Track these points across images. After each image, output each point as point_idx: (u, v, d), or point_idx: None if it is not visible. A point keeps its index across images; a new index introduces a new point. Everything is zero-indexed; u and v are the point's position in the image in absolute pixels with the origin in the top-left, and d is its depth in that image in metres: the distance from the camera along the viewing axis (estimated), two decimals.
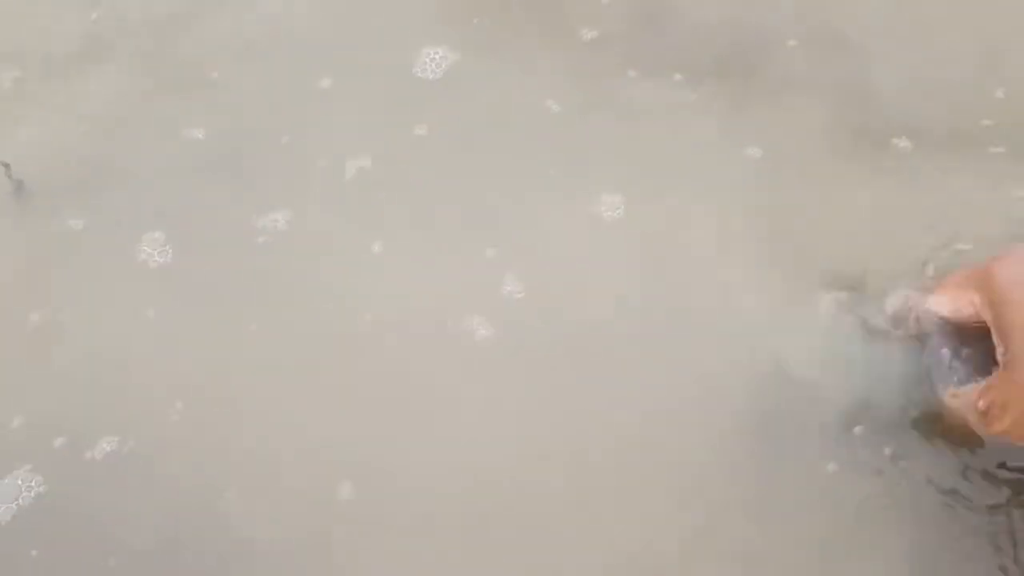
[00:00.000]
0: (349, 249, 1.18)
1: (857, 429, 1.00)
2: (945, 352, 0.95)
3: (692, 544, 0.97)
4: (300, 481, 1.03)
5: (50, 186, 1.25)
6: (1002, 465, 0.96)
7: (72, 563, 1.00)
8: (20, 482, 1.03)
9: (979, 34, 1.26)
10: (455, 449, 1.04)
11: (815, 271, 1.10)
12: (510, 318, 1.11)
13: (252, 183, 1.24)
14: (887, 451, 0.99)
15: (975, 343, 0.92)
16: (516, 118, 1.27)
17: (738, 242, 1.14)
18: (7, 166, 1.26)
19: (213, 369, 1.11)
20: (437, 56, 1.31)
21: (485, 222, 1.18)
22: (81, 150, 1.29)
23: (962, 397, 0.92)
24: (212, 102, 1.32)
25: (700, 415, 1.04)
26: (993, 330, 0.87)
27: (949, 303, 0.94)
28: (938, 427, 0.98)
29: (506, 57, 1.32)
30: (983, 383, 0.89)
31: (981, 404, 0.88)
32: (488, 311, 1.11)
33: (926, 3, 1.30)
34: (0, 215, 1.25)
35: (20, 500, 1.02)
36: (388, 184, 1.22)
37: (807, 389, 1.02)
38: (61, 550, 1.00)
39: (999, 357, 0.87)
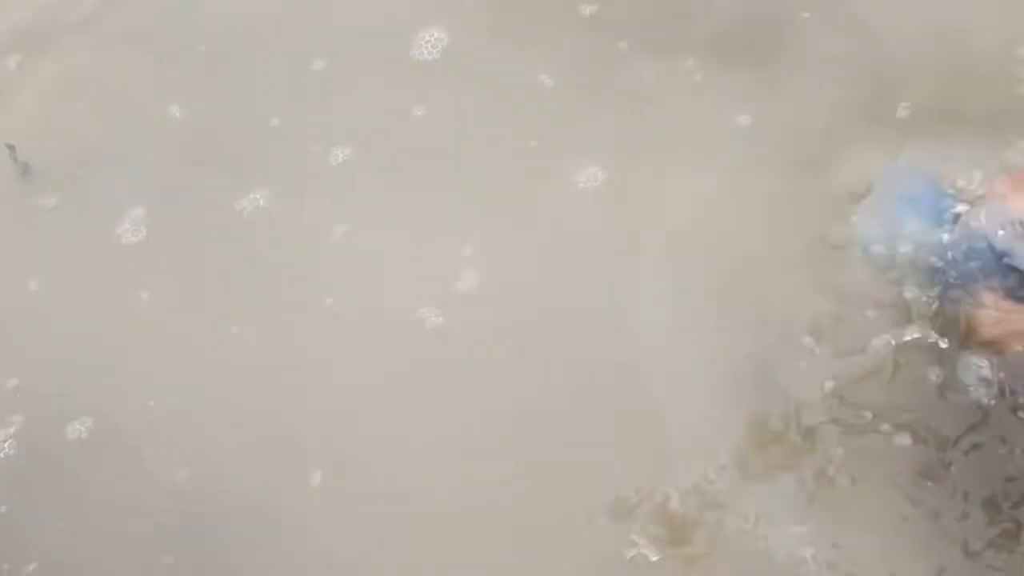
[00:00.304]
0: (332, 233, 1.18)
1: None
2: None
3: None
4: (266, 464, 1.04)
5: (49, 165, 1.29)
6: None
7: (43, 522, 1.03)
8: None
9: (992, 9, 1.21)
10: (424, 440, 1.04)
11: (813, 260, 1.07)
12: (493, 309, 1.10)
13: (243, 165, 1.25)
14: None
15: None
16: (513, 97, 1.25)
17: (731, 218, 1.11)
18: (13, 148, 1.28)
19: (188, 353, 1.13)
20: (433, 38, 1.30)
21: (474, 206, 1.17)
22: (78, 130, 1.32)
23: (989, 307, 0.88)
24: (207, 84, 1.33)
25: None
26: None
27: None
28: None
29: (504, 36, 1.30)
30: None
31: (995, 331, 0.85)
32: (470, 301, 1.10)
33: None
34: (5, 194, 1.28)
35: None
36: (383, 167, 1.22)
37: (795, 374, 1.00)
38: (32, 510, 1.04)
39: None
